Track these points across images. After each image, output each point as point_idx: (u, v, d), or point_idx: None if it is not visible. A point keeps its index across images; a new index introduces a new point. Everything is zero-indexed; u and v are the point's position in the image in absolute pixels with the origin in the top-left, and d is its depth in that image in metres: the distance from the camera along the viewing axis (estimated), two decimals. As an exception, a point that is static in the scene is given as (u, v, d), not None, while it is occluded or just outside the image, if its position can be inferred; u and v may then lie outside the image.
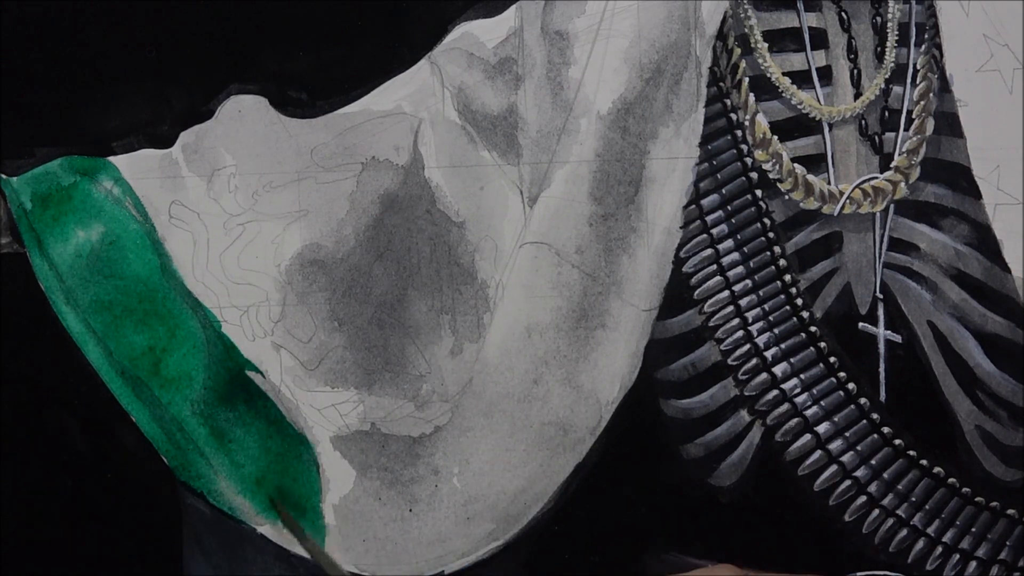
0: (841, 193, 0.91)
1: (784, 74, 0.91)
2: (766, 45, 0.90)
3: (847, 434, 0.91)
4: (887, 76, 0.91)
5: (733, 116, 0.91)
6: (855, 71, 0.91)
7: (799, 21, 0.91)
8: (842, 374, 0.91)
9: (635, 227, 0.88)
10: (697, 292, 0.91)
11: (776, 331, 0.91)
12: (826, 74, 0.91)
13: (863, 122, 0.92)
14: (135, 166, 0.88)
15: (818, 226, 0.92)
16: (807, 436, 0.91)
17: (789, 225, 0.92)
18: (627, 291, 0.88)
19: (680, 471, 0.91)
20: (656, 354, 0.90)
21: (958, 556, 0.92)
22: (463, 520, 0.89)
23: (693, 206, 0.90)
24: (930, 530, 0.91)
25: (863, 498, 0.91)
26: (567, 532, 0.91)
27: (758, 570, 0.91)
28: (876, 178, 0.91)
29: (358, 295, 0.89)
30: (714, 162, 0.90)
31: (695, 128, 0.88)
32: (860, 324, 0.92)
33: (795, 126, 0.91)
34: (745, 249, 0.91)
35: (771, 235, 0.91)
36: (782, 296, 0.91)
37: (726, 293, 0.91)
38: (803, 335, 0.91)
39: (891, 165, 0.92)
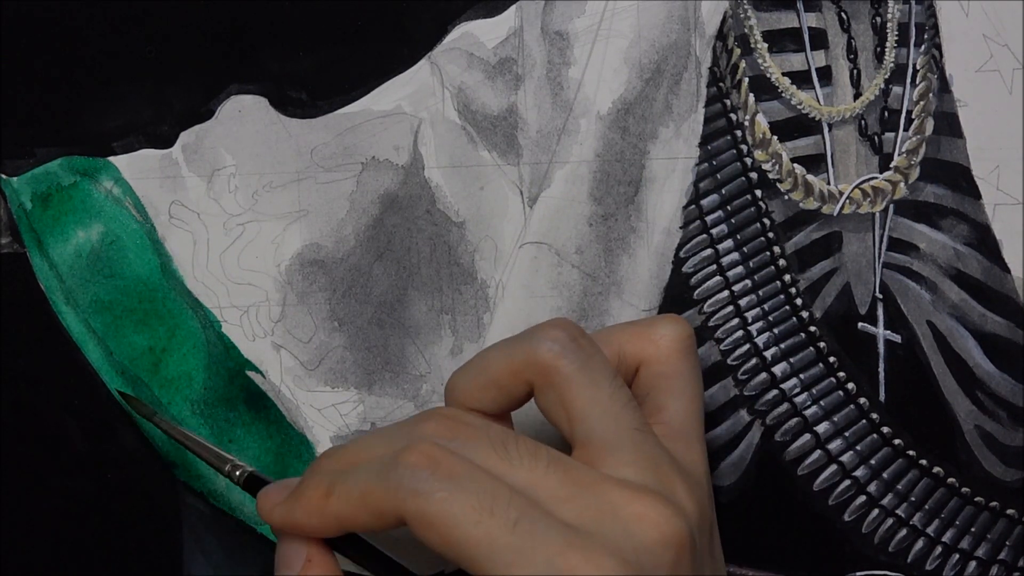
0: (841, 193, 0.91)
1: (784, 74, 0.91)
2: (766, 45, 0.90)
3: (847, 434, 0.91)
4: (887, 76, 0.91)
5: (733, 116, 0.91)
6: (855, 71, 0.92)
7: (799, 21, 0.91)
8: (841, 374, 0.91)
9: (635, 227, 0.88)
10: (697, 292, 0.91)
11: (776, 331, 0.91)
12: (826, 74, 0.91)
13: (863, 122, 0.92)
14: (135, 166, 0.88)
15: (818, 226, 0.92)
16: (807, 436, 0.91)
17: (789, 225, 0.92)
18: (627, 291, 0.88)
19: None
20: (656, 354, 0.90)
21: (957, 556, 0.92)
22: (463, 520, 0.89)
23: (693, 206, 0.90)
24: (929, 530, 0.91)
25: (863, 498, 0.91)
26: (567, 532, 0.91)
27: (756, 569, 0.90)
28: (876, 178, 0.91)
29: (358, 295, 0.89)
30: (714, 162, 0.91)
31: (695, 128, 0.88)
32: (860, 324, 0.92)
33: (795, 126, 0.91)
34: (745, 249, 0.91)
35: (771, 235, 0.91)
36: (782, 296, 0.91)
37: (726, 293, 0.91)
38: (803, 335, 0.91)
39: (891, 165, 0.92)
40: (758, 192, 0.91)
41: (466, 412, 0.72)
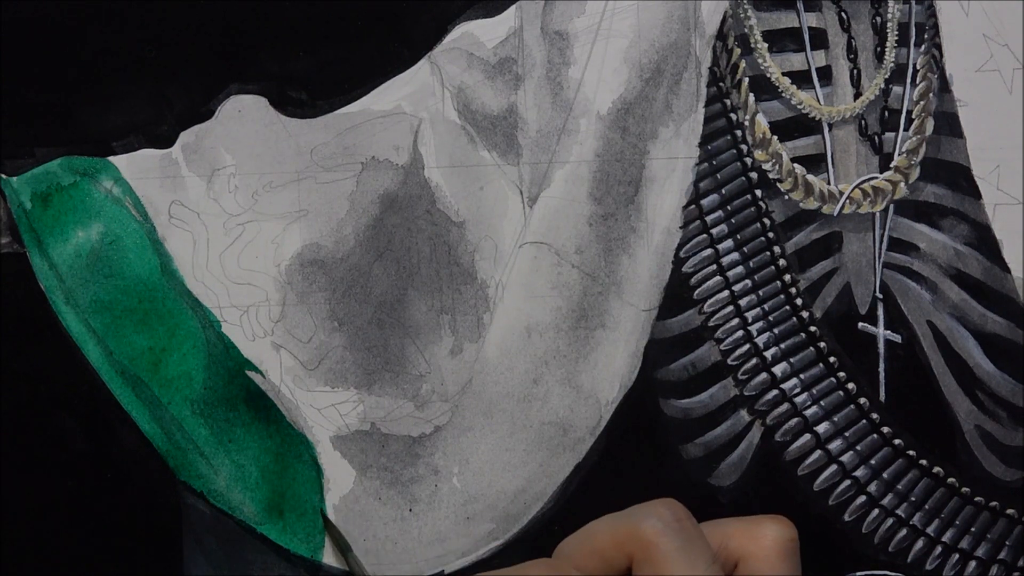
0: (841, 193, 0.91)
1: (784, 74, 0.91)
2: (766, 45, 0.90)
3: (847, 434, 0.91)
4: (887, 76, 0.91)
5: (733, 116, 0.91)
6: (855, 71, 0.92)
7: (799, 21, 0.91)
8: (842, 374, 0.91)
9: (635, 227, 0.88)
10: (697, 292, 0.91)
11: (776, 331, 0.91)
12: (826, 74, 0.92)
13: (863, 122, 0.92)
14: (135, 166, 0.88)
15: (818, 226, 0.92)
16: (807, 436, 0.91)
17: (789, 225, 0.92)
18: (627, 291, 0.88)
19: (680, 471, 0.91)
20: (656, 354, 0.90)
21: (957, 556, 0.92)
22: (463, 520, 0.89)
23: (693, 206, 0.90)
24: (929, 530, 0.92)
25: (863, 498, 0.91)
26: (567, 532, 0.91)
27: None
28: (876, 178, 0.91)
29: (358, 295, 0.89)
30: (714, 162, 0.91)
31: (695, 128, 0.88)
32: (860, 324, 0.92)
33: (795, 126, 0.91)
34: (745, 249, 0.91)
35: (771, 235, 0.91)
36: (782, 296, 0.91)
37: (726, 293, 0.91)
38: (803, 335, 0.91)
39: (891, 165, 0.92)
40: (758, 192, 0.91)
41: (570, 567, 0.74)
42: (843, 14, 0.91)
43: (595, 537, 0.74)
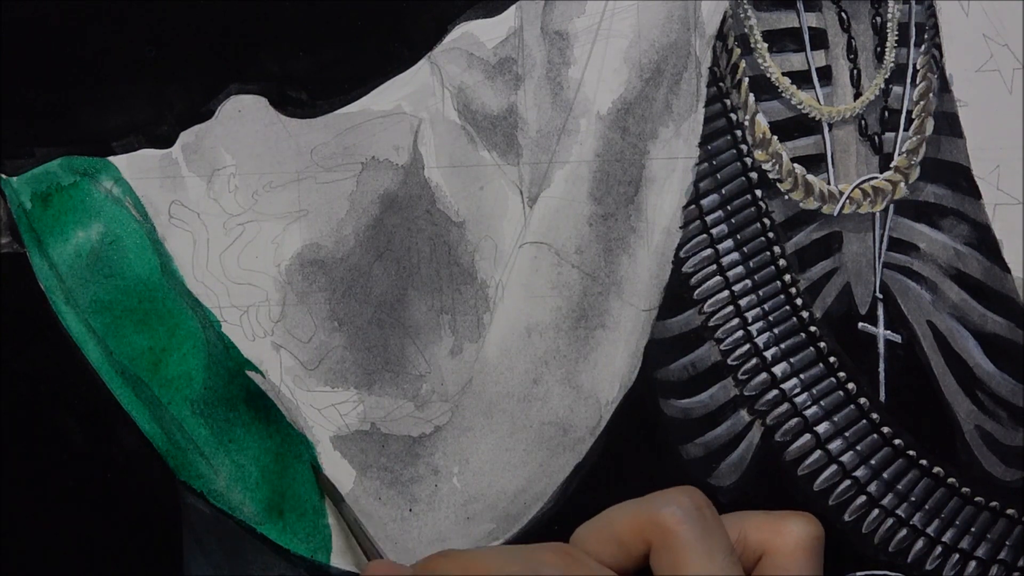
0: (841, 193, 0.91)
1: (784, 74, 0.91)
2: (766, 45, 0.90)
3: (847, 434, 0.91)
4: (887, 76, 0.91)
5: (733, 116, 0.91)
6: (855, 71, 0.92)
7: (799, 21, 0.91)
8: (842, 374, 0.91)
9: (635, 227, 0.88)
10: (697, 292, 0.91)
11: (776, 331, 0.91)
12: (826, 74, 0.92)
13: (863, 122, 0.92)
14: (135, 166, 0.88)
15: (818, 226, 0.92)
16: (807, 436, 0.91)
17: (789, 225, 0.92)
18: (627, 291, 0.88)
19: (680, 471, 0.91)
20: (656, 354, 0.90)
21: (957, 556, 0.92)
22: (463, 520, 0.89)
23: (693, 206, 0.90)
24: (929, 530, 0.92)
25: (863, 498, 0.91)
26: (567, 532, 0.91)
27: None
28: (876, 178, 0.92)
29: (358, 295, 0.89)
30: (714, 162, 0.91)
31: (695, 128, 0.88)
32: (860, 324, 0.92)
33: (795, 126, 0.91)
34: (745, 249, 0.91)
35: (771, 235, 0.91)
36: (782, 296, 0.91)
37: (726, 293, 0.91)
38: (803, 335, 0.91)
39: (891, 165, 0.92)
40: (758, 192, 0.91)
41: (584, 553, 0.73)
42: (843, 14, 0.91)
43: (613, 523, 0.74)
